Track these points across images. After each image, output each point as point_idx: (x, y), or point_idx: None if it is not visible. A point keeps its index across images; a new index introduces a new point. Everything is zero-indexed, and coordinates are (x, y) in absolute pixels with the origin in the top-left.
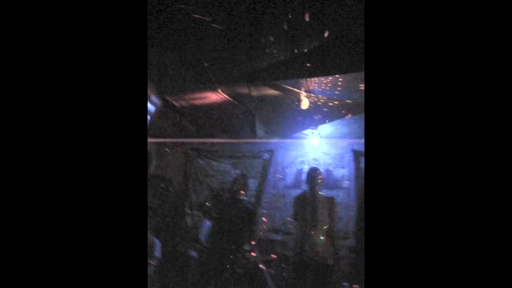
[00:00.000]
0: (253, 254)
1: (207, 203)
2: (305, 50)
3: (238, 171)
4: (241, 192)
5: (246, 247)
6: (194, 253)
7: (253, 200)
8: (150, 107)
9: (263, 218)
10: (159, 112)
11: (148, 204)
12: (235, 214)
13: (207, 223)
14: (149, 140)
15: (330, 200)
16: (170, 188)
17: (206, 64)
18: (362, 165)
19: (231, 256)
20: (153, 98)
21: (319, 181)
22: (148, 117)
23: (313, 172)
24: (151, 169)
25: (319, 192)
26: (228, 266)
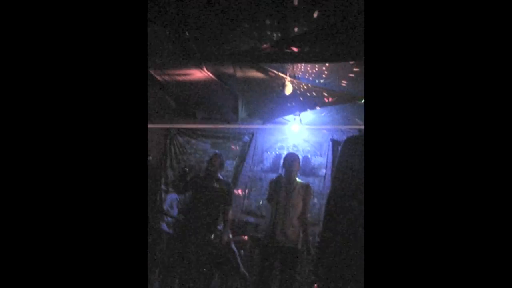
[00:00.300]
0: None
1: (185, 168)
2: (294, 35)
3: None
4: (217, 171)
5: (220, 227)
6: (165, 227)
7: (229, 180)
8: None
9: (239, 199)
10: None
11: None
12: (210, 193)
13: (174, 196)
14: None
15: (306, 186)
16: (147, 164)
17: (192, 40)
18: (338, 154)
19: (204, 235)
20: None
21: (296, 167)
22: None
23: (290, 158)
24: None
25: (295, 178)
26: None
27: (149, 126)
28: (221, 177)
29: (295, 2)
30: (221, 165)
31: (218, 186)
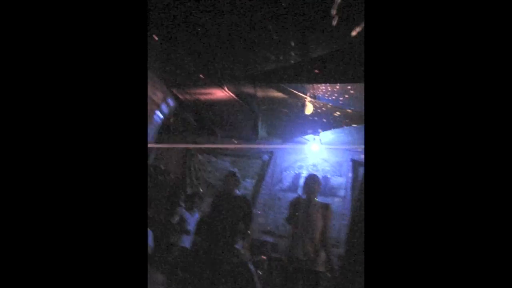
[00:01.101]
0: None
1: (201, 189)
2: (315, 56)
3: (236, 170)
4: (233, 189)
5: (238, 246)
6: (187, 244)
7: (247, 198)
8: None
9: (257, 218)
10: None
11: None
12: (227, 211)
13: (196, 215)
14: (154, 145)
15: (326, 207)
16: (167, 180)
17: (214, 61)
18: (360, 175)
19: (222, 253)
20: (169, 100)
21: (317, 189)
22: (161, 117)
23: (311, 179)
24: (151, 159)
25: (315, 198)
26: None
27: (169, 145)
28: (238, 194)
29: (334, 23)
30: (237, 182)
31: (235, 204)
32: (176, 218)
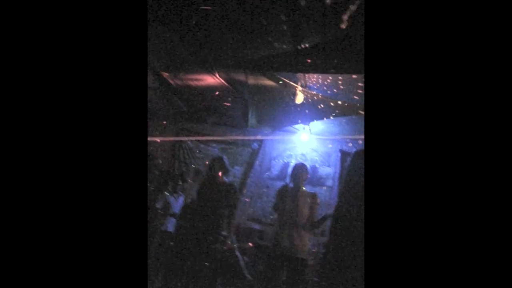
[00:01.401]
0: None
1: (188, 176)
2: (307, 46)
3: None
4: (219, 174)
5: (224, 232)
6: (171, 228)
7: (234, 184)
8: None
9: (245, 206)
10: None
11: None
12: (212, 197)
13: (181, 199)
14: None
15: (312, 196)
16: (156, 166)
17: (205, 47)
18: (347, 165)
19: (208, 239)
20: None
21: (304, 177)
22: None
23: (299, 168)
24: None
25: (302, 187)
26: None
27: (160, 138)
28: (226, 180)
29: (343, 26)
30: (223, 168)
31: (221, 189)
32: (160, 203)
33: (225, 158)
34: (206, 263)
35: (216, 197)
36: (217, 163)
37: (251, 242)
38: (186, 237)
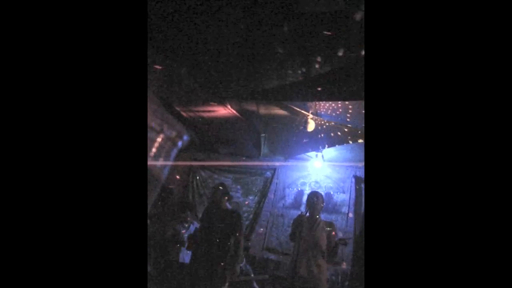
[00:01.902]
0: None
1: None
2: (317, 74)
3: (238, 186)
4: (220, 201)
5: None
6: (187, 260)
7: (238, 212)
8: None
9: (260, 236)
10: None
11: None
12: (216, 225)
13: (192, 228)
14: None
15: (329, 225)
16: (170, 198)
17: (217, 78)
18: (363, 191)
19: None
20: (185, 136)
21: (319, 206)
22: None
23: (314, 197)
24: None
25: (318, 216)
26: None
27: (173, 163)
28: (228, 207)
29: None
30: (225, 194)
31: (224, 216)
32: (169, 232)
33: (225, 184)
34: None
35: (220, 225)
36: (218, 190)
37: (267, 273)
38: (200, 265)
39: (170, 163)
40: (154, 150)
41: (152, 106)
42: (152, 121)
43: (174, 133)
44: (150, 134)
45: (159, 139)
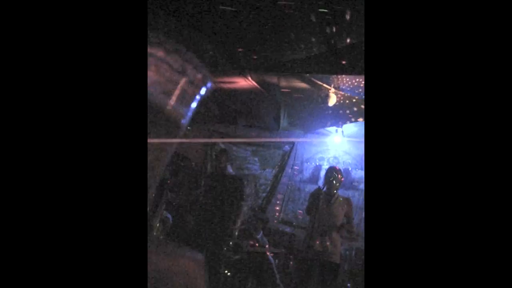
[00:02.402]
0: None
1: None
2: (341, 47)
3: (256, 158)
4: (225, 167)
5: (233, 226)
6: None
7: (239, 175)
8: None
9: (276, 208)
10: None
11: (168, 181)
12: (221, 190)
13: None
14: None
15: (347, 200)
16: (188, 167)
17: (239, 50)
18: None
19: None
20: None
21: (338, 181)
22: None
23: (332, 172)
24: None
25: (336, 191)
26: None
27: (189, 127)
28: (231, 172)
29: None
30: (227, 160)
31: (228, 182)
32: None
33: (228, 150)
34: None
35: (223, 190)
36: (223, 155)
37: (282, 245)
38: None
39: (194, 140)
40: (177, 93)
41: (172, 45)
42: (173, 61)
43: (198, 76)
44: (171, 75)
45: (181, 82)
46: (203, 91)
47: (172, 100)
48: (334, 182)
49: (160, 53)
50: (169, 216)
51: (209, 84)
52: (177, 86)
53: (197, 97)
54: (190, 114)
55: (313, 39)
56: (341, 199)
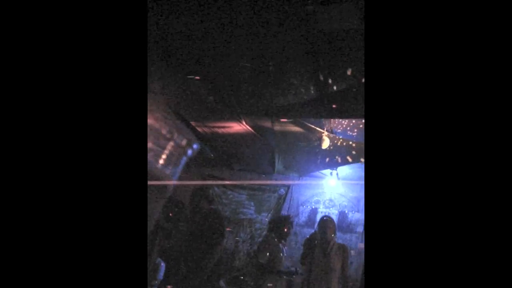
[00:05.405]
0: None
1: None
2: (332, 91)
3: (251, 202)
4: (202, 204)
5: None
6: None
7: (220, 211)
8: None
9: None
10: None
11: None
12: (201, 226)
13: None
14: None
15: (343, 247)
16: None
17: (232, 95)
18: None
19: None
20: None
21: (331, 230)
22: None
23: (326, 222)
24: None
25: (331, 240)
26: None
27: (185, 182)
28: (212, 207)
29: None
30: (208, 197)
31: (206, 215)
32: None
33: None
34: None
35: (203, 226)
36: (200, 192)
37: None
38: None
39: (174, 182)
40: (164, 157)
41: (161, 113)
42: (162, 128)
43: (184, 141)
44: (159, 141)
45: (169, 147)
46: (189, 153)
47: (159, 165)
48: (328, 231)
49: (150, 121)
50: (162, 264)
51: (195, 146)
52: (164, 151)
53: (184, 158)
54: (177, 173)
55: (302, 89)
56: (337, 246)
